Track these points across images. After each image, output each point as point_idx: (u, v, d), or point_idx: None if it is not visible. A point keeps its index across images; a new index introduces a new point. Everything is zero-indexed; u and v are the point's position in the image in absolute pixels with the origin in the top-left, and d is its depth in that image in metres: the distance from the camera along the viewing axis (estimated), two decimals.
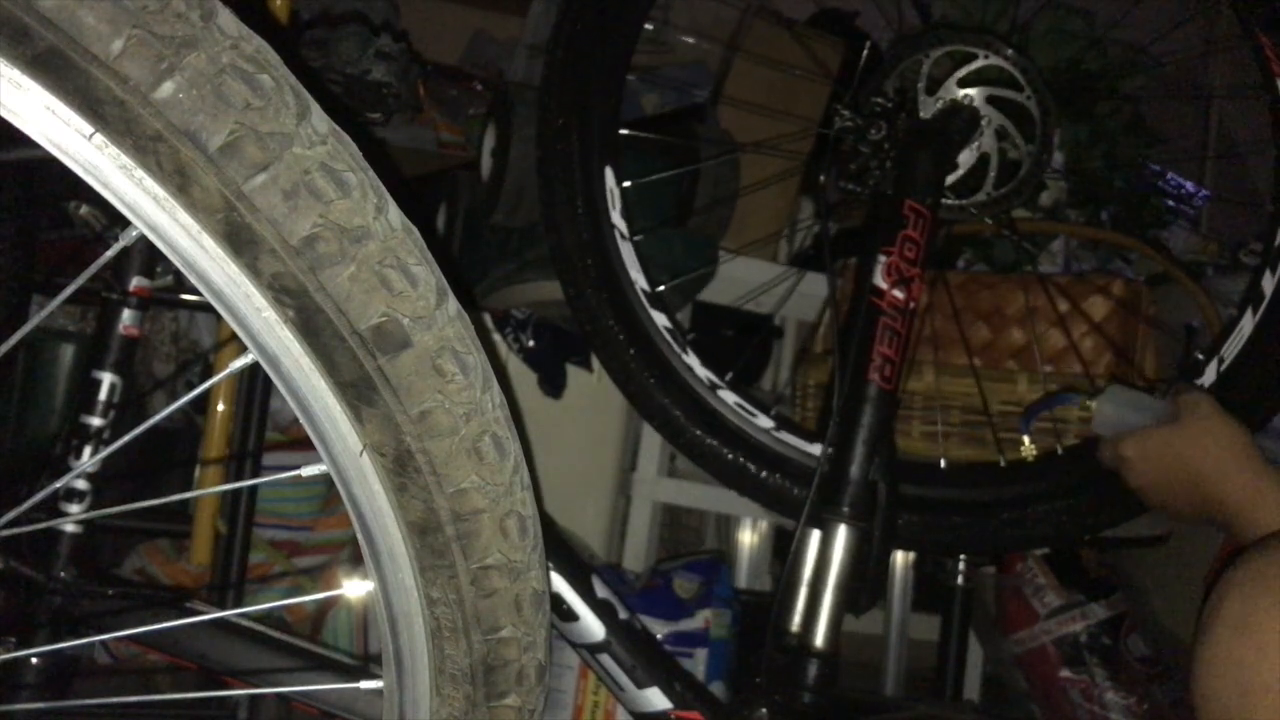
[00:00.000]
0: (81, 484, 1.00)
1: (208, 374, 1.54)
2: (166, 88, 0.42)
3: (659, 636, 1.40)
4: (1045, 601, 1.51)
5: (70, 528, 0.98)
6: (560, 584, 0.94)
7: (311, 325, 0.47)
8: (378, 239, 0.47)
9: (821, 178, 1.16)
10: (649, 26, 1.30)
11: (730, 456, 1.23)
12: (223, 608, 1.21)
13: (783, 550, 1.84)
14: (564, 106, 1.24)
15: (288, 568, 1.48)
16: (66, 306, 1.51)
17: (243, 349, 0.48)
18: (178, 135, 0.42)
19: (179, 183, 0.43)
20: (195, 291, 0.47)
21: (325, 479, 0.51)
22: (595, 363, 1.60)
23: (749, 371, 1.88)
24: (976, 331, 1.41)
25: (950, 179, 1.18)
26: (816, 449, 1.22)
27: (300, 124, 0.45)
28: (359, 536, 0.53)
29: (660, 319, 1.24)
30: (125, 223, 0.45)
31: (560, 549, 0.96)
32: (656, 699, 0.95)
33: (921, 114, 1.18)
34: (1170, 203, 1.84)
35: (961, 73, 1.16)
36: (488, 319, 1.57)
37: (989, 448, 1.30)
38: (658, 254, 1.33)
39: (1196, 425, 0.90)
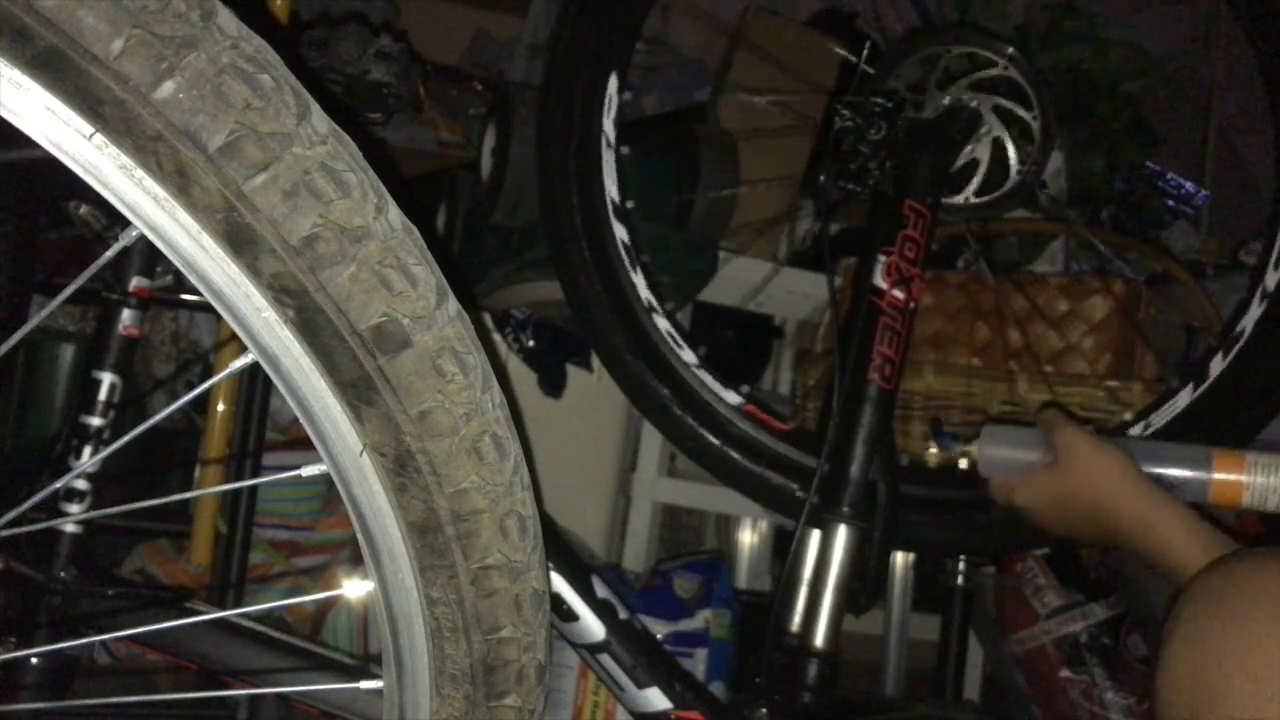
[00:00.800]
0: (81, 484, 0.99)
1: (208, 374, 1.54)
2: (166, 88, 0.42)
3: (659, 636, 1.40)
4: (1045, 601, 1.51)
5: (70, 528, 0.98)
6: (560, 584, 0.94)
7: (311, 325, 0.47)
8: (378, 239, 0.47)
9: (821, 178, 1.16)
10: None
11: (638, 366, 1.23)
12: (223, 608, 1.21)
13: (783, 550, 1.84)
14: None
15: (288, 568, 1.48)
16: (66, 306, 1.51)
17: (243, 349, 0.48)
18: (178, 135, 0.42)
19: (179, 183, 0.43)
20: (195, 291, 0.47)
21: (325, 479, 0.51)
22: (595, 363, 1.61)
23: (749, 371, 1.88)
24: (976, 331, 1.41)
25: None
26: (732, 395, 1.22)
27: (300, 124, 0.45)
28: (359, 536, 0.53)
29: (621, 232, 1.24)
30: (125, 223, 0.45)
31: (560, 549, 0.96)
32: (656, 699, 0.95)
33: (926, 109, 1.18)
34: (1170, 203, 1.84)
35: (975, 77, 1.16)
36: (488, 319, 1.57)
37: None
38: (658, 254, 1.33)
39: (1076, 464, 0.90)
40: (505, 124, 1.45)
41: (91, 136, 0.42)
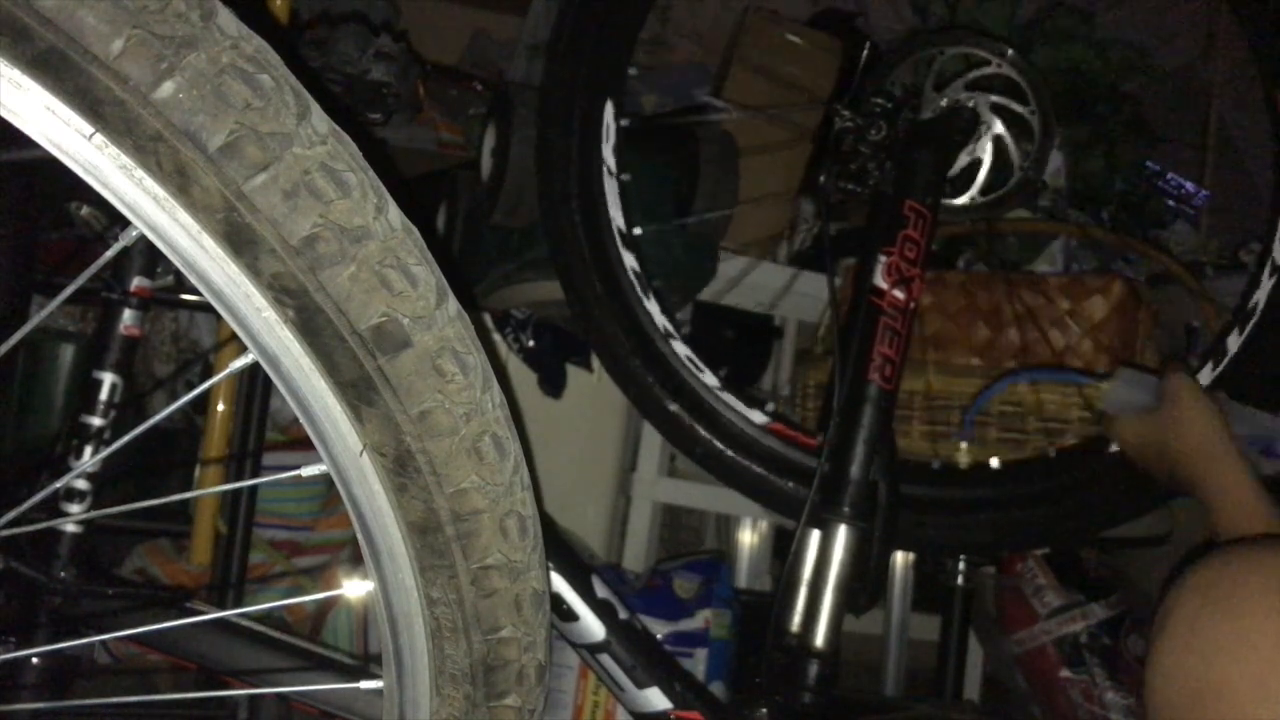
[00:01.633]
0: (81, 484, 0.99)
1: (208, 374, 1.54)
2: (166, 88, 0.42)
3: (659, 636, 1.40)
4: (1045, 601, 1.51)
5: (70, 528, 0.98)
6: (560, 584, 0.94)
7: (311, 325, 0.47)
8: (378, 239, 0.47)
9: (821, 178, 1.16)
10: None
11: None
12: (223, 608, 1.21)
13: (783, 550, 1.84)
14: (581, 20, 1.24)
15: (288, 568, 1.48)
16: (66, 306, 1.51)
17: (243, 349, 0.48)
18: (178, 135, 0.42)
19: (179, 183, 0.43)
20: (195, 291, 0.47)
21: (325, 479, 0.51)
22: (595, 363, 1.60)
23: (749, 371, 1.88)
24: (976, 331, 1.41)
25: None
26: (758, 415, 1.22)
27: (300, 124, 0.45)
28: (359, 536, 0.53)
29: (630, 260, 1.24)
30: (125, 223, 0.45)
31: (560, 549, 0.96)
32: (656, 699, 0.95)
33: (924, 111, 1.18)
34: (1170, 203, 1.84)
35: (971, 76, 1.16)
36: (488, 319, 1.57)
37: (989, 447, 1.30)
38: (657, 254, 1.33)
39: (1175, 412, 0.96)
40: (505, 124, 1.45)
41: (91, 136, 0.42)
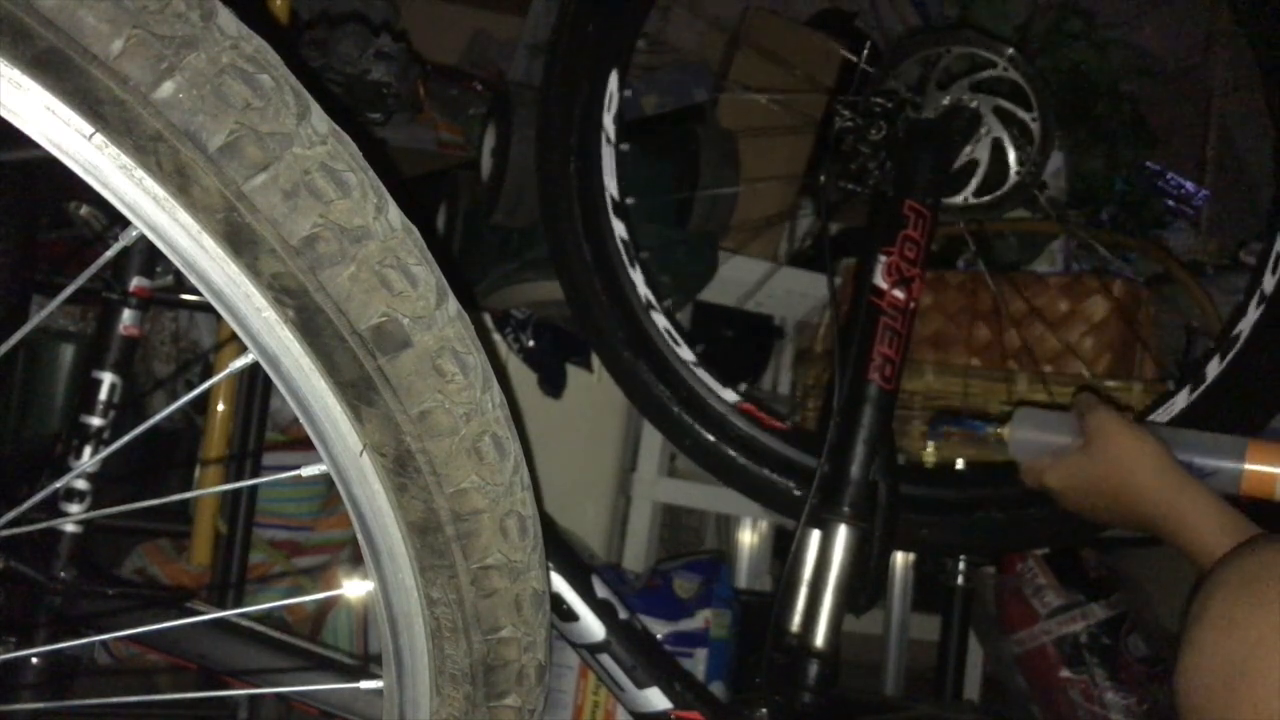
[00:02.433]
0: (81, 484, 0.99)
1: (208, 374, 1.54)
2: (166, 88, 0.42)
3: (659, 636, 1.40)
4: (1045, 601, 1.51)
5: (70, 528, 0.98)
6: (560, 584, 0.94)
7: (311, 325, 0.47)
8: (378, 239, 0.47)
9: (821, 178, 1.16)
10: None
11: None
12: (223, 608, 1.21)
13: (783, 550, 1.84)
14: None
15: (288, 568, 1.48)
16: (66, 306, 1.51)
17: (243, 349, 0.48)
18: (178, 135, 0.42)
19: (179, 183, 0.43)
20: (195, 291, 0.47)
21: (325, 479, 0.50)
22: (595, 363, 1.60)
23: (749, 371, 1.88)
24: (976, 331, 1.41)
25: None
26: (730, 394, 1.23)
27: (300, 124, 0.45)
28: (359, 536, 0.53)
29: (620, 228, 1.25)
30: (125, 223, 0.45)
31: (560, 549, 0.96)
32: (656, 699, 0.95)
33: (926, 109, 1.17)
34: (1170, 203, 1.84)
35: (976, 77, 1.16)
36: (488, 319, 1.57)
37: (989, 448, 1.30)
38: (658, 254, 1.33)
39: (1108, 446, 0.90)
40: (505, 124, 1.45)
41: (91, 136, 0.42)
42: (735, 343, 1.80)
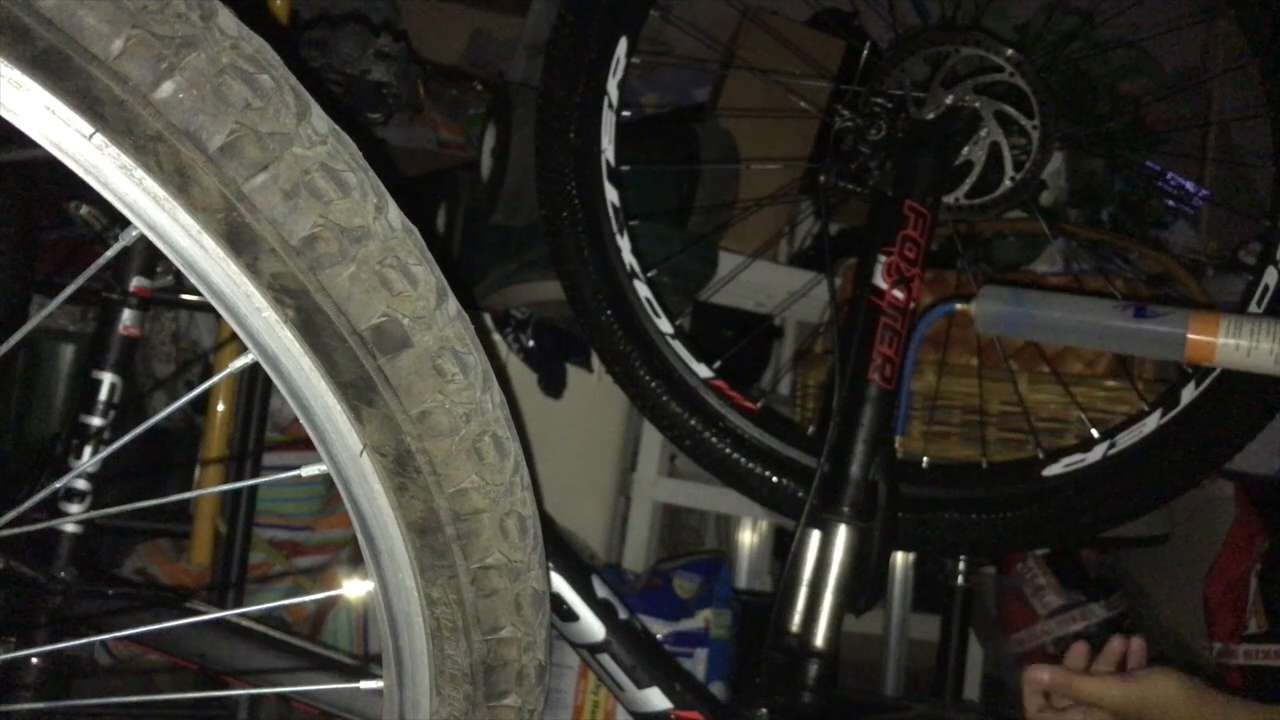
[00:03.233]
0: (81, 484, 0.99)
1: (208, 374, 1.54)
2: (166, 88, 0.42)
3: (659, 636, 1.40)
4: (1045, 601, 1.51)
5: (70, 528, 0.98)
6: (560, 584, 0.94)
7: (311, 325, 0.47)
8: (378, 239, 0.47)
9: (821, 178, 1.15)
10: None
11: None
12: (223, 608, 1.21)
13: (783, 550, 1.84)
14: None
15: (288, 568, 1.48)
16: (66, 306, 1.51)
17: (243, 349, 0.48)
18: (178, 135, 0.42)
19: (179, 183, 0.43)
20: (195, 291, 0.47)
21: (325, 479, 0.50)
22: (595, 363, 1.61)
23: (749, 371, 1.88)
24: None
25: None
26: (703, 369, 1.23)
27: (300, 124, 0.45)
28: (359, 536, 0.53)
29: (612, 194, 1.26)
30: (125, 223, 0.45)
31: (560, 549, 0.96)
32: (656, 699, 0.95)
33: (927, 109, 1.17)
34: (1170, 203, 1.84)
35: (980, 80, 1.16)
36: (488, 319, 1.57)
37: (989, 448, 1.30)
38: (658, 254, 1.33)
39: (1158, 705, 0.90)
40: (505, 124, 1.45)
41: (91, 136, 0.42)
42: (735, 342, 1.80)
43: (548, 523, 1.02)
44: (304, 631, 1.43)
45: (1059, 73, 1.54)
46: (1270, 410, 1.04)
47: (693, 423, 1.21)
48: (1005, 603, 1.56)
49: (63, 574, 0.97)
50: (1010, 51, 1.14)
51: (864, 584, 0.97)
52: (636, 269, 1.24)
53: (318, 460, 0.50)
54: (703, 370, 1.23)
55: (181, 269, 0.46)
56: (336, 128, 0.47)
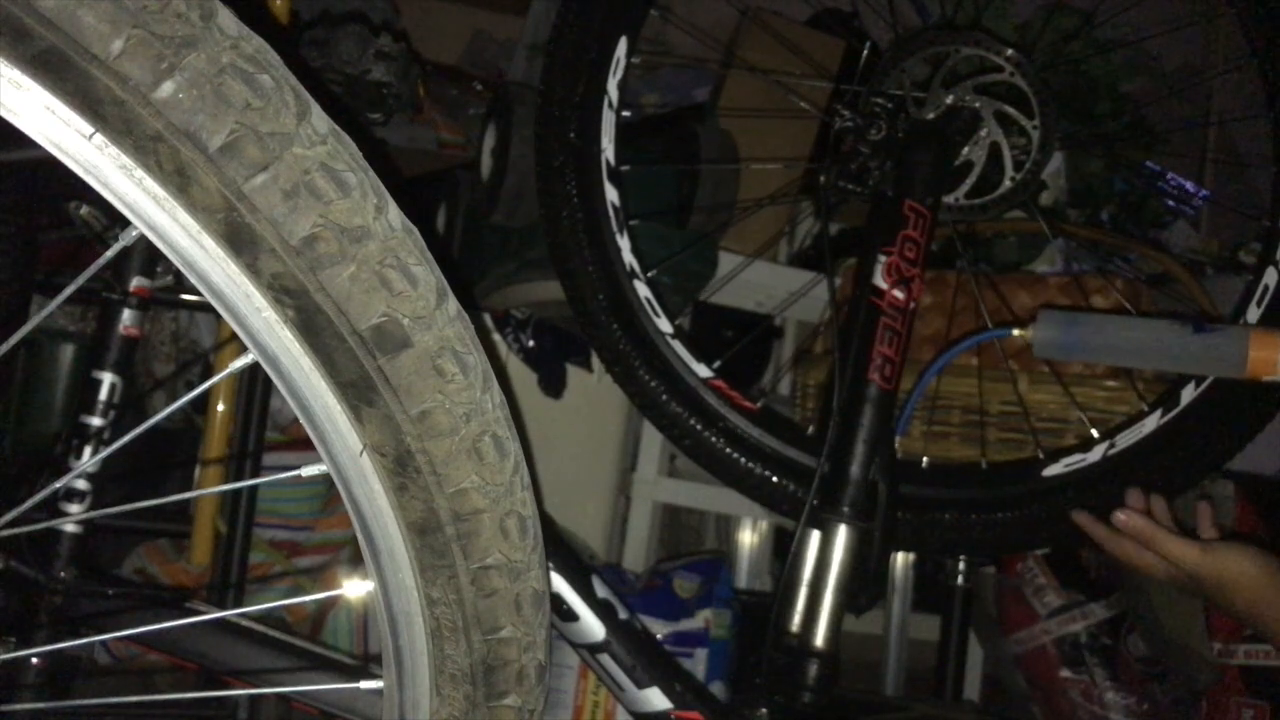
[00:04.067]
0: (81, 484, 0.99)
1: (208, 374, 1.54)
2: (166, 88, 0.42)
3: (659, 636, 1.40)
4: (1045, 601, 1.51)
5: (70, 528, 0.98)
6: (560, 584, 0.94)
7: (311, 325, 0.47)
8: (378, 239, 0.47)
9: (822, 178, 1.15)
10: None
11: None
12: (223, 608, 1.21)
13: (783, 550, 1.84)
14: None
15: (288, 568, 1.48)
16: (66, 306, 1.51)
17: (243, 349, 0.48)
18: (178, 135, 0.42)
19: (179, 183, 0.43)
20: (195, 291, 0.47)
21: (325, 479, 0.50)
22: (595, 363, 1.60)
23: (749, 371, 1.88)
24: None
25: None
26: (702, 369, 1.24)
27: (300, 124, 0.45)
28: (359, 536, 0.53)
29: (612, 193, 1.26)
30: (125, 223, 0.45)
31: (560, 549, 0.96)
32: (656, 699, 0.95)
33: (927, 107, 1.17)
34: (1170, 203, 1.84)
35: (980, 79, 1.16)
36: (488, 319, 1.57)
37: (989, 448, 1.30)
38: (658, 253, 1.33)
39: (1225, 579, 0.93)
40: (505, 124, 1.45)
41: (91, 136, 0.42)
42: (735, 342, 1.80)
43: (548, 523, 1.03)
44: (304, 631, 1.43)
45: (1059, 73, 1.54)
46: (1270, 410, 1.05)
47: (692, 422, 1.21)
48: (1005, 603, 1.56)
49: (63, 574, 0.97)
50: (1010, 51, 1.14)
51: (864, 584, 0.97)
52: (636, 269, 1.25)
53: (318, 460, 0.50)
54: (702, 370, 1.23)
55: (181, 269, 0.46)
56: (336, 128, 0.47)
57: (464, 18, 2.25)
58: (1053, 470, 1.14)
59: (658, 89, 1.86)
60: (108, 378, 1.03)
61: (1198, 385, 1.08)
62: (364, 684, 0.59)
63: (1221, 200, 2.00)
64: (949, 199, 1.18)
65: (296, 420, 0.52)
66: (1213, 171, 2.13)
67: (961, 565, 1.50)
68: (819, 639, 0.94)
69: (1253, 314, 1.07)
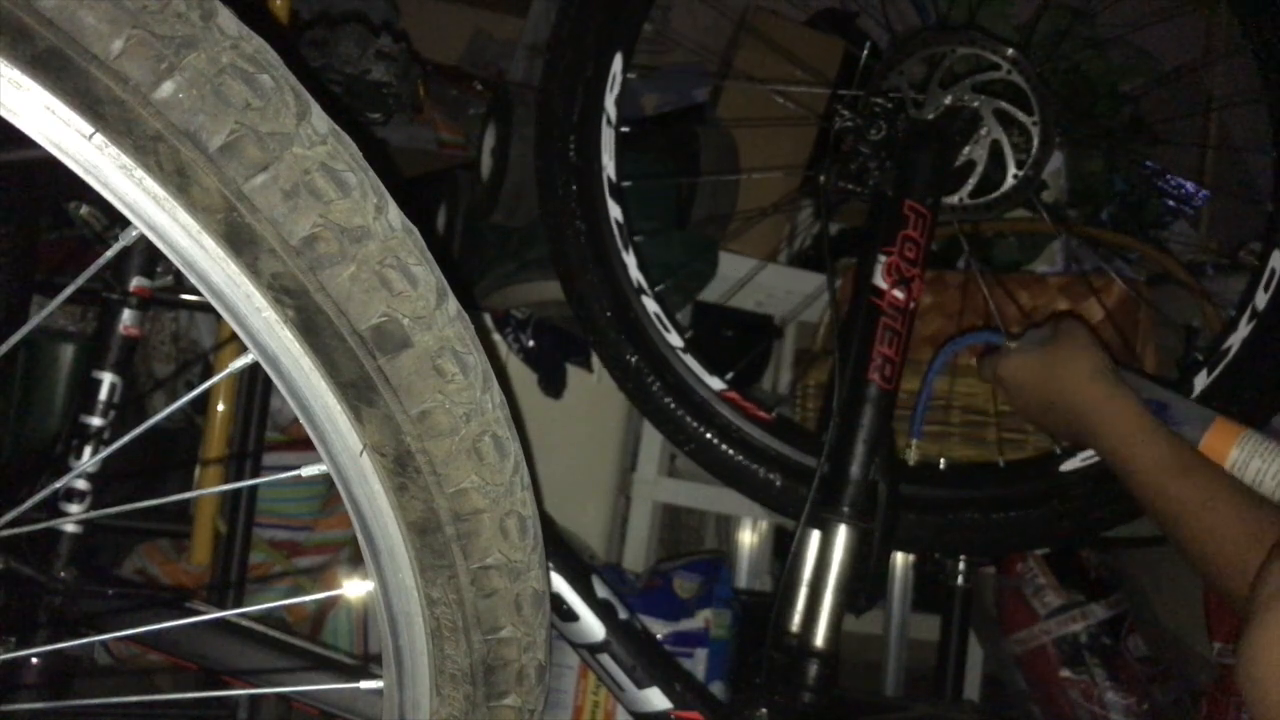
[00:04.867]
0: (81, 484, 1.00)
1: (208, 374, 1.54)
2: (166, 88, 0.42)
3: (659, 636, 1.40)
4: (1045, 601, 1.51)
5: (70, 528, 0.98)
6: (560, 584, 0.94)
7: (311, 325, 0.47)
8: (378, 239, 0.47)
9: (822, 178, 1.15)
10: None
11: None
12: (223, 608, 1.21)
13: (783, 550, 1.84)
14: None
15: (288, 568, 1.48)
16: (66, 306, 1.51)
17: (243, 349, 0.48)
18: (178, 135, 0.42)
19: (179, 183, 0.43)
20: (195, 291, 0.48)
21: (325, 479, 0.51)
22: (595, 363, 1.60)
23: (749, 371, 1.88)
24: None
25: None
26: (715, 381, 1.24)
27: (300, 124, 0.45)
28: (359, 536, 0.53)
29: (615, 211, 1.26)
30: (125, 223, 0.45)
31: (560, 549, 0.96)
32: (656, 699, 0.95)
33: (927, 108, 1.17)
34: (1170, 203, 1.84)
35: (979, 78, 1.16)
36: (488, 319, 1.57)
37: (989, 448, 1.30)
38: (658, 254, 1.33)
39: (1063, 348, 0.97)
40: (505, 124, 1.45)
41: (91, 136, 0.42)
42: (735, 342, 1.80)
43: (548, 523, 1.03)
44: (304, 631, 1.43)
45: (1058, 72, 1.54)
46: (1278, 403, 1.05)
47: (709, 437, 1.21)
48: (1005, 603, 1.56)
49: (63, 574, 0.97)
50: (1009, 50, 1.14)
51: (864, 584, 0.97)
52: (644, 285, 1.24)
53: (318, 460, 0.50)
54: (715, 383, 1.22)
55: (181, 269, 0.46)
56: (336, 128, 0.47)
57: (464, 18, 2.25)
58: (1070, 465, 1.14)
59: (658, 89, 1.85)
60: (108, 378, 1.03)
61: (1210, 372, 1.08)
62: (364, 684, 0.59)
63: (1221, 189, 2.00)
64: (954, 199, 1.18)
65: (296, 420, 0.53)
66: (1212, 170, 2.13)
67: (961, 565, 1.50)
68: (819, 639, 0.94)
69: (1260, 299, 1.08)
